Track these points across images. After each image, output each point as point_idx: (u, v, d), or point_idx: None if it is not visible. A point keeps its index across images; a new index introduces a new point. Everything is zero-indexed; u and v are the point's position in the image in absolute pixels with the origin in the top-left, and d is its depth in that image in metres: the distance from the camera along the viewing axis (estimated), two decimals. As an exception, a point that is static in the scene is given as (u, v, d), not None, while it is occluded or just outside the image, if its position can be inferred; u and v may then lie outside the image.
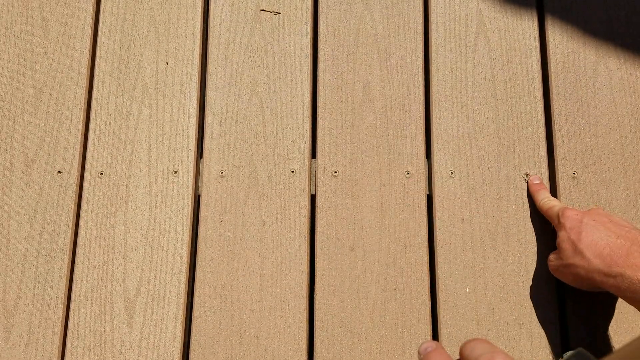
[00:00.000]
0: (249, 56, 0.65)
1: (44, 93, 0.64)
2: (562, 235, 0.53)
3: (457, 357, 0.39)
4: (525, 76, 0.64)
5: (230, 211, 0.61)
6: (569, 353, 0.48)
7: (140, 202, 0.62)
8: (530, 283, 0.59)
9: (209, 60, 0.65)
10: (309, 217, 0.61)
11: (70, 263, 0.60)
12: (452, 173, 0.62)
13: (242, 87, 0.64)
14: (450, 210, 0.61)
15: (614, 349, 0.57)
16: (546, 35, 0.65)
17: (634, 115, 0.63)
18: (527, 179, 0.61)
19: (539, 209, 0.59)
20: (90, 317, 0.59)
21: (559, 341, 0.57)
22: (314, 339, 0.58)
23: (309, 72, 0.65)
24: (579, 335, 0.57)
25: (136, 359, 0.58)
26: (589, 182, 0.61)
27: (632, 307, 0.55)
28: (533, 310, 0.58)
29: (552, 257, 0.55)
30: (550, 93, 0.64)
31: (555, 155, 0.62)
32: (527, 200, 0.61)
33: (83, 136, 0.63)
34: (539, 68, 0.64)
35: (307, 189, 0.62)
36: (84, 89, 0.65)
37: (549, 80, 0.64)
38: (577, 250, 0.51)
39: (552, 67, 0.64)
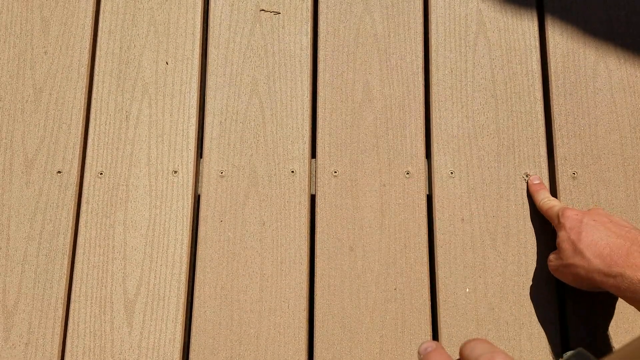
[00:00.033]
0: (248, 56, 0.65)
1: (43, 93, 0.64)
2: (562, 235, 0.53)
3: (457, 357, 0.39)
4: (525, 76, 0.64)
5: (230, 211, 0.61)
6: (569, 353, 0.48)
7: (140, 202, 0.62)
8: (530, 283, 0.59)
9: (209, 60, 0.65)
10: (309, 217, 0.61)
11: (70, 263, 0.60)
12: (452, 173, 0.62)
13: (242, 87, 0.64)
14: (450, 210, 0.61)
15: (614, 349, 0.57)
16: (546, 35, 0.65)
17: (634, 115, 0.63)
18: (527, 179, 0.61)
19: (539, 209, 0.59)
20: (90, 317, 0.59)
21: (559, 341, 0.57)
22: (314, 339, 0.58)
23: (308, 72, 0.65)
24: (579, 335, 0.57)
25: (136, 359, 0.58)
26: (589, 182, 0.61)
27: (632, 307, 0.55)
28: (533, 310, 0.58)
29: (552, 257, 0.55)
30: (550, 93, 0.64)
31: (555, 155, 0.62)
32: (527, 200, 0.61)
33: (83, 136, 0.63)
34: (539, 68, 0.64)
35: (307, 189, 0.62)
36: (84, 89, 0.65)
37: (549, 80, 0.64)
38: (577, 250, 0.51)
39: (552, 67, 0.64)
